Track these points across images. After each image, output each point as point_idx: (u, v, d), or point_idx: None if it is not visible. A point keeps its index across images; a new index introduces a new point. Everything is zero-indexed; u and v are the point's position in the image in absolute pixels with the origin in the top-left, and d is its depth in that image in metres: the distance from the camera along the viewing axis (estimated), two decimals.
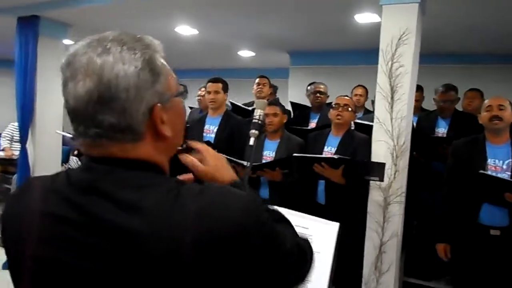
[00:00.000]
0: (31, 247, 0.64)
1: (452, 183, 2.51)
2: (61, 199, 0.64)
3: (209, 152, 0.88)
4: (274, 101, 3.02)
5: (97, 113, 0.61)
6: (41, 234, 0.64)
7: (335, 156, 2.48)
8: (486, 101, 2.51)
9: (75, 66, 0.62)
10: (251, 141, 1.80)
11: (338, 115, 2.74)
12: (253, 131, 1.82)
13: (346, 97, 2.88)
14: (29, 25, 4.01)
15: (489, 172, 2.30)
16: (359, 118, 3.61)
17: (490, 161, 2.36)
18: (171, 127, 0.68)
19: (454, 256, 2.49)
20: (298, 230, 1.61)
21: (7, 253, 0.70)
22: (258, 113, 1.86)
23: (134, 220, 0.59)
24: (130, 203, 0.60)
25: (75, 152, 3.91)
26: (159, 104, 0.65)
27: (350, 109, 2.77)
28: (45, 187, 0.68)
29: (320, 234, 1.53)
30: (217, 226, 0.59)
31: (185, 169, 0.87)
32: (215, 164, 0.86)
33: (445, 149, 3.16)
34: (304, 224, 1.56)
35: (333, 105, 2.79)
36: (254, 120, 1.84)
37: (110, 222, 0.60)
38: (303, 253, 0.75)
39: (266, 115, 2.82)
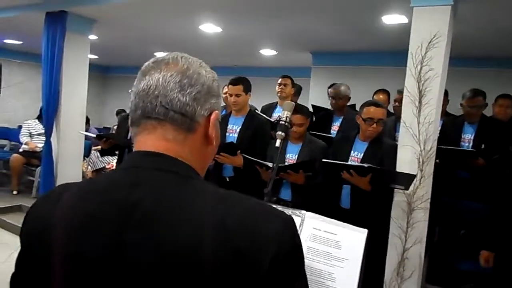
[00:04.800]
0: (69, 248, 0.63)
1: (508, 191, 2.39)
2: (103, 197, 0.64)
3: None
4: (300, 109, 2.85)
5: (173, 91, 0.68)
6: (80, 233, 0.63)
7: (365, 165, 2.43)
8: None
9: (163, 61, 0.71)
10: (277, 142, 1.79)
11: (371, 130, 2.63)
12: (279, 133, 1.81)
13: (379, 108, 2.64)
14: (57, 20, 4.09)
15: None
16: None
17: None
18: (215, 138, 0.75)
19: (498, 265, 2.43)
20: (326, 236, 1.59)
21: (28, 253, 0.68)
22: (285, 114, 1.85)
23: (161, 228, 0.60)
24: (176, 205, 0.62)
25: (99, 148, 3.95)
26: (217, 111, 0.74)
27: (383, 121, 2.66)
28: (81, 188, 0.68)
29: (348, 240, 1.50)
30: (259, 239, 0.59)
31: None
32: None
33: (472, 163, 3.11)
34: (332, 230, 1.53)
35: (365, 118, 2.63)
36: (281, 122, 1.83)
37: (154, 222, 0.61)
38: None
39: (292, 123, 2.77)
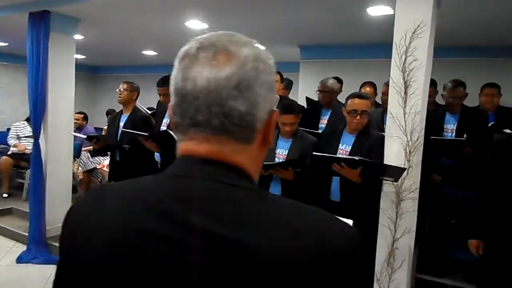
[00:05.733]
0: (111, 260, 0.55)
1: (489, 179, 2.39)
2: (150, 210, 0.56)
3: None
4: (291, 109, 2.79)
5: (229, 99, 0.57)
6: (127, 248, 0.55)
7: (356, 158, 2.44)
8: None
9: (212, 50, 0.59)
10: None
11: (356, 122, 2.66)
12: None
13: (362, 100, 2.69)
14: (40, 20, 4.03)
15: None
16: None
17: None
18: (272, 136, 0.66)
19: (487, 253, 2.43)
20: None
21: (66, 260, 0.61)
22: None
23: (244, 234, 0.52)
24: (236, 216, 0.54)
25: (85, 136, 3.92)
26: (276, 109, 0.64)
27: (367, 112, 2.68)
28: (126, 195, 0.60)
29: None
30: (331, 243, 0.55)
31: None
32: None
33: (462, 152, 3.14)
34: None
35: (349, 111, 2.66)
36: None
37: (212, 236, 0.52)
38: None
39: (283, 124, 2.77)
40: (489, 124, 3.42)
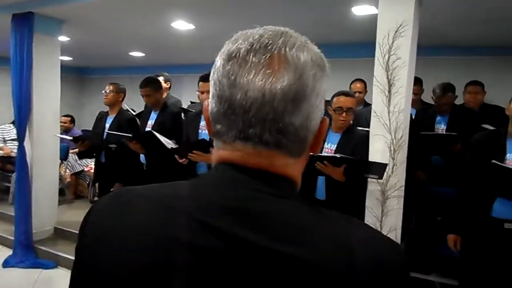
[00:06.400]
0: (141, 273, 0.49)
1: (469, 177, 2.47)
2: (194, 222, 0.50)
3: None
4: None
5: (285, 114, 0.51)
6: (162, 260, 0.49)
7: (338, 155, 2.46)
8: None
9: (267, 54, 0.52)
10: None
11: (342, 120, 2.66)
12: None
13: (348, 97, 2.69)
14: (23, 22, 3.99)
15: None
16: (359, 111, 3.60)
17: (509, 155, 2.30)
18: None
19: (464, 248, 2.49)
20: None
21: (86, 271, 0.55)
22: None
23: (300, 249, 0.48)
24: (288, 229, 0.50)
25: (71, 138, 3.89)
26: (326, 117, 0.59)
27: (352, 110, 2.69)
28: (157, 201, 0.54)
29: None
30: (383, 259, 0.53)
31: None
32: None
33: (452, 148, 3.19)
34: None
35: (335, 108, 2.66)
36: None
37: (268, 252, 0.48)
38: None
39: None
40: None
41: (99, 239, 0.54)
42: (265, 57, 0.52)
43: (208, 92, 3.09)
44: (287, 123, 0.52)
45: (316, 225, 0.52)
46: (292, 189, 0.56)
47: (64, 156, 5.47)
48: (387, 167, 2.52)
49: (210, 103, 0.57)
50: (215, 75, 0.55)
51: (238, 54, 0.53)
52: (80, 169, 5.80)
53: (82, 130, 6.80)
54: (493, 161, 2.22)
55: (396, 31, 2.54)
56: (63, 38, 4.64)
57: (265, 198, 0.52)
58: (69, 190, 5.72)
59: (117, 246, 0.52)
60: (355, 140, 2.69)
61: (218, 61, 0.55)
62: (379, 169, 2.50)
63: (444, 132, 3.41)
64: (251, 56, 0.52)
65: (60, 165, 4.87)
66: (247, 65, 0.52)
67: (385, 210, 2.61)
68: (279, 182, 0.54)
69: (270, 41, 0.53)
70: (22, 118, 4.07)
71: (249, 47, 0.53)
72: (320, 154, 2.61)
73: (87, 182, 5.83)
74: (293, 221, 0.51)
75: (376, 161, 2.55)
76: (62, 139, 4.62)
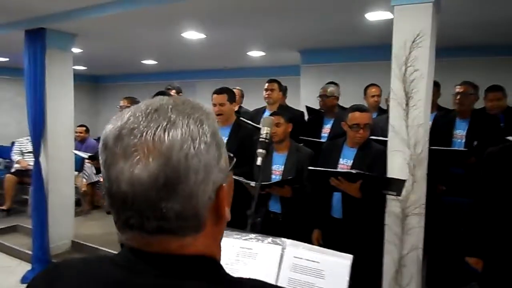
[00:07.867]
0: None
1: (483, 194, 2.23)
2: None
3: None
4: (276, 111, 3.07)
5: (161, 201, 0.50)
6: None
7: (353, 171, 2.35)
8: None
9: (130, 142, 0.51)
10: (259, 161, 1.72)
11: (359, 136, 2.54)
12: (260, 150, 1.74)
13: (364, 113, 2.56)
14: (36, 38, 4.00)
15: None
16: (374, 120, 3.48)
17: None
18: (228, 206, 0.59)
19: (486, 270, 2.31)
20: (308, 264, 1.51)
21: None
22: (265, 131, 1.77)
23: None
24: None
25: (87, 156, 3.87)
26: (224, 184, 0.56)
27: (369, 125, 2.57)
28: (77, 279, 0.57)
29: (332, 269, 1.43)
30: None
31: None
32: None
33: (465, 162, 3.05)
34: (314, 257, 1.46)
35: (351, 125, 2.55)
36: (261, 139, 1.76)
37: None
38: None
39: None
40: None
41: None
42: (130, 144, 0.50)
43: (220, 104, 3.06)
44: (167, 208, 0.50)
45: None
46: (195, 268, 0.54)
47: (79, 168, 5.50)
48: (407, 184, 2.42)
49: None
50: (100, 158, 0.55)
51: (107, 144, 0.53)
52: (97, 180, 5.82)
53: (97, 139, 6.84)
54: None
55: (413, 42, 2.43)
56: (76, 50, 4.66)
57: (162, 284, 0.52)
58: (86, 200, 5.75)
59: None
60: (372, 155, 2.59)
61: (100, 144, 0.55)
62: (397, 185, 2.39)
63: (464, 138, 3.26)
64: (118, 145, 0.51)
65: (74, 177, 4.89)
66: (115, 155, 0.51)
67: (405, 228, 2.51)
68: (180, 265, 0.53)
69: (135, 125, 0.52)
70: (37, 134, 4.09)
71: (117, 134, 0.52)
72: (334, 170, 2.52)
73: (103, 193, 5.84)
74: None
75: (394, 177, 2.44)
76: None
